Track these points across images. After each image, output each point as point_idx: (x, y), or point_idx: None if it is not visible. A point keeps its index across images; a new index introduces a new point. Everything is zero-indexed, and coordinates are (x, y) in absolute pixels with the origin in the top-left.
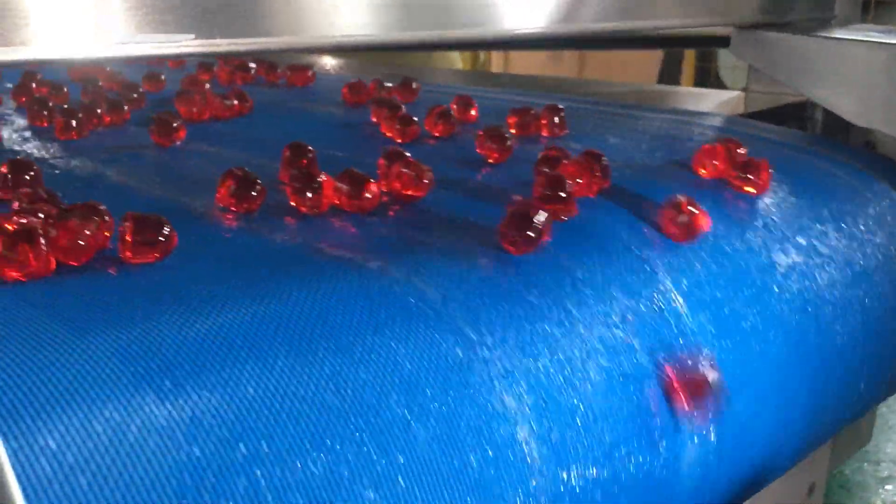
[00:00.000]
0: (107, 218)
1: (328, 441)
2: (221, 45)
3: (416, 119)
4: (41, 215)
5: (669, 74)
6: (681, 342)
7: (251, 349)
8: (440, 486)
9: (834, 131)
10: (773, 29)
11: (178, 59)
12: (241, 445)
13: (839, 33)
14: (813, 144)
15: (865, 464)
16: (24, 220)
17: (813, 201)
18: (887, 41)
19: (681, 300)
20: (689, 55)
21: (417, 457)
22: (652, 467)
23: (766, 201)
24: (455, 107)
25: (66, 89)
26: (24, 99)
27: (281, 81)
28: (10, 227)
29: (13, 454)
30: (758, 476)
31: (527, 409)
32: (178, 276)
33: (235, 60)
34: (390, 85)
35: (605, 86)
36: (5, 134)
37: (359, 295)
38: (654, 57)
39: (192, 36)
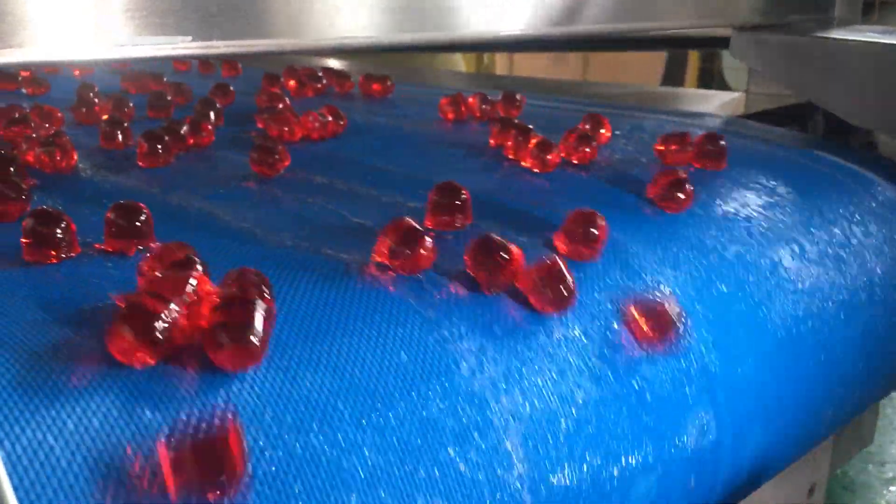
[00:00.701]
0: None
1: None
2: (219, 46)
3: (555, 144)
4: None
5: (673, 75)
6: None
7: None
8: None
9: (835, 133)
10: (772, 30)
11: (183, 61)
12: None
13: (838, 34)
14: (812, 146)
15: (870, 465)
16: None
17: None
18: (886, 41)
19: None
20: (693, 56)
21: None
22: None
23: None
24: (587, 126)
25: (131, 104)
26: (85, 114)
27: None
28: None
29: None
30: (755, 473)
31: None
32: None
33: (301, 70)
34: (492, 99)
35: (608, 87)
36: (80, 162)
37: None
38: (658, 58)
39: (190, 38)
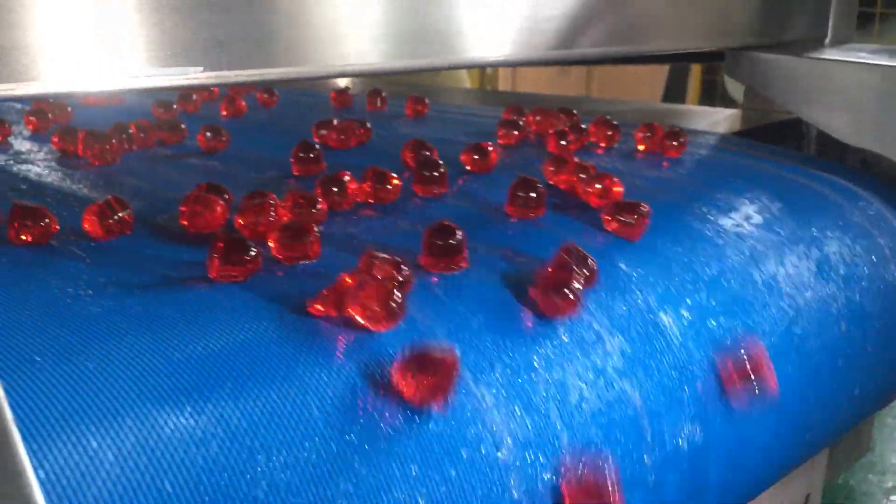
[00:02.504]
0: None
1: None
2: (229, 76)
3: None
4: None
5: (676, 87)
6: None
7: None
8: None
9: (829, 149)
10: (767, 50)
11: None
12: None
13: (831, 54)
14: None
15: (870, 474)
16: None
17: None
18: (878, 62)
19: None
20: (696, 68)
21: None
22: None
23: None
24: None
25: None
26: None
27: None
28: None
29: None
30: (750, 484)
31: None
32: None
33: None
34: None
35: (608, 104)
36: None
37: None
38: (661, 70)
39: (201, 68)
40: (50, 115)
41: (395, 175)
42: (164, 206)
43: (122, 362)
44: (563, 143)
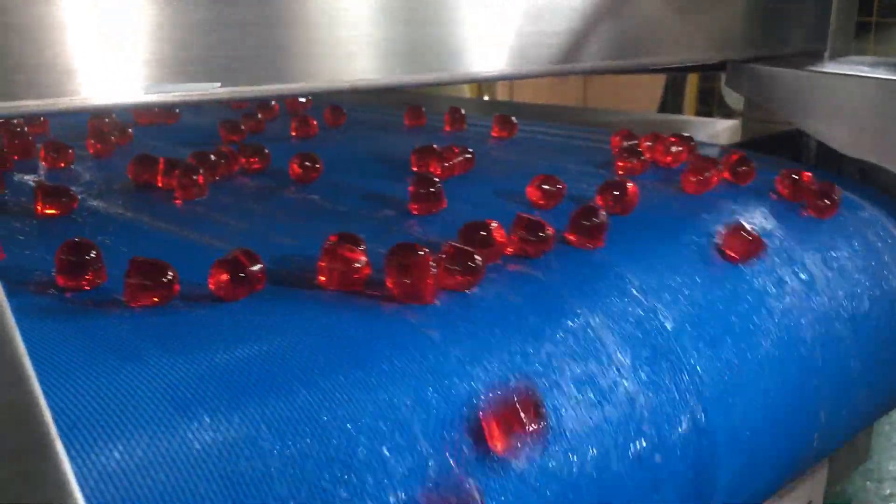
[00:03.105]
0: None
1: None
2: (245, 91)
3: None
4: None
5: (673, 96)
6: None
7: None
8: None
9: (827, 161)
10: (767, 62)
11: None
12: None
13: (831, 67)
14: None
15: (868, 482)
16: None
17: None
18: (876, 76)
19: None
20: (693, 77)
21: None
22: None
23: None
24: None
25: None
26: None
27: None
28: None
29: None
30: (752, 494)
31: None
32: None
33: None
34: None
35: (607, 115)
36: None
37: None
38: (659, 79)
39: (219, 84)
40: (112, 138)
41: (547, 223)
42: (280, 254)
43: None
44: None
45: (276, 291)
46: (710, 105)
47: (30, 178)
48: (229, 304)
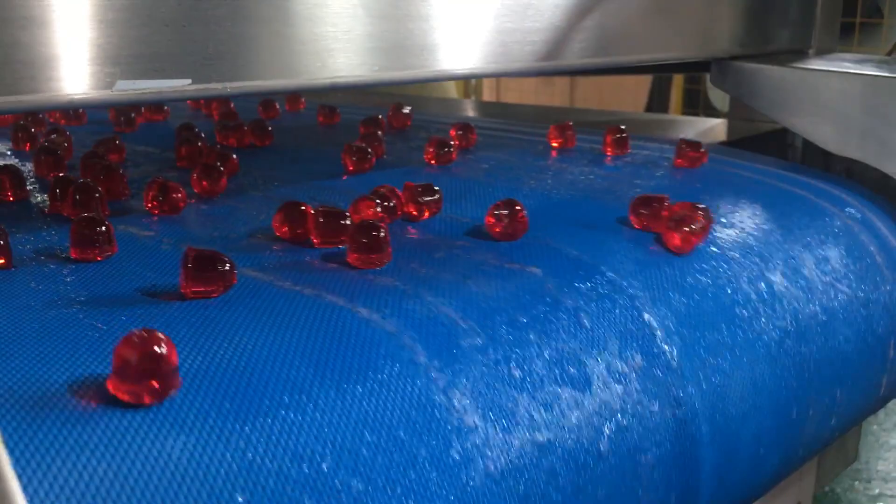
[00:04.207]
0: None
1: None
2: (217, 88)
3: None
4: None
5: (659, 97)
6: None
7: None
8: None
9: (814, 159)
10: (751, 60)
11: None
12: None
13: (815, 64)
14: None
15: (856, 482)
16: None
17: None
18: (861, 72)
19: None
20: (678, 78)
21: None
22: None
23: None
24: None
25: None
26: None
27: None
28: None
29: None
30: (740, 495)
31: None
32: None
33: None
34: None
35: (592, 115)
36: None
37: None
38: (645, 79)
39: (189, 81)
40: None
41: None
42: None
43: None
44: None
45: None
46: (696, 107)
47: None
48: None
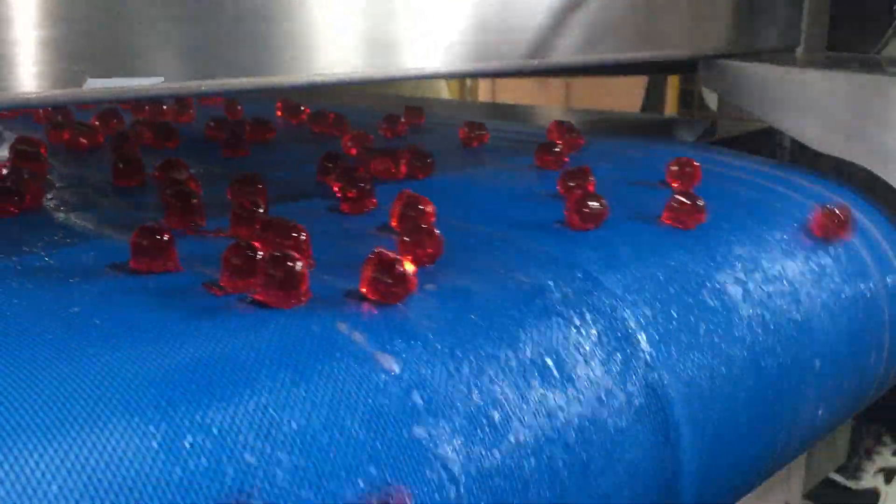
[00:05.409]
0: None
1: None
2: (192, 86)
3: None
4: None
5: (654, 97)
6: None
7: None
8: None
9: (803, 158)
10: (739, 58)
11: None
12: None
13: (803, 63)
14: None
15: (845, 481)
16: None
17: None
18: (846, 70)
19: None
20: (673, 79)
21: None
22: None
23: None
24: None
25: None
26: None
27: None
28: None
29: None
30: (724, 492)
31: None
32: None
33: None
34: None
35: (588, 115)
36: None
37: None
38: (639, 80)
39: (162, 79)
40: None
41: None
42: None
43: None
44: None
45: None
46: (691, 107)
47: None
48: None
